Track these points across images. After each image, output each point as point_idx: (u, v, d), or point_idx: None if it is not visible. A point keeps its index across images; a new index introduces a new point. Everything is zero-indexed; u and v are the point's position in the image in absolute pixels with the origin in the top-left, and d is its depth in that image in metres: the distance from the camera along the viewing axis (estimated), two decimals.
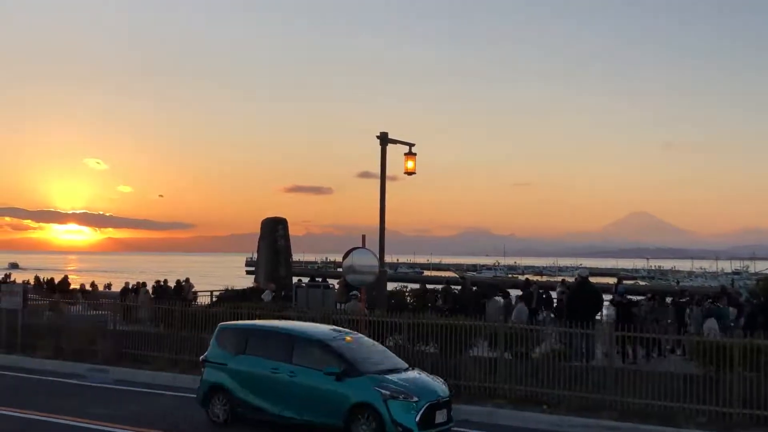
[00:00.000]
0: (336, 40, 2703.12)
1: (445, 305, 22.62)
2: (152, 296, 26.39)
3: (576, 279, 19.48)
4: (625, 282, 31.09)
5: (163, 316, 19.08)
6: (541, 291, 24.61)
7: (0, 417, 12.63)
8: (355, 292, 19.86)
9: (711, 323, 18.05)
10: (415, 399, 10.52)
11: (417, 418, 10.40)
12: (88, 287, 34.18)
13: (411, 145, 22.08)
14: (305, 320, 17.55)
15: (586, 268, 22.06)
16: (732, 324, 20.00)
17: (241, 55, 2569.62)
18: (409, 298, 24.34)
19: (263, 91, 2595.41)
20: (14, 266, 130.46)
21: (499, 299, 21.03)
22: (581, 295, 16.59)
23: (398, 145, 22.09)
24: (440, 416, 10.83)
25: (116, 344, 18.55)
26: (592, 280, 21.88)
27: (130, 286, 30.94)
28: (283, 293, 26.31)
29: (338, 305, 22.04)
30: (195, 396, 12.75)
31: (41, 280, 37.67)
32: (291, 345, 11.55)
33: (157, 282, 30.16)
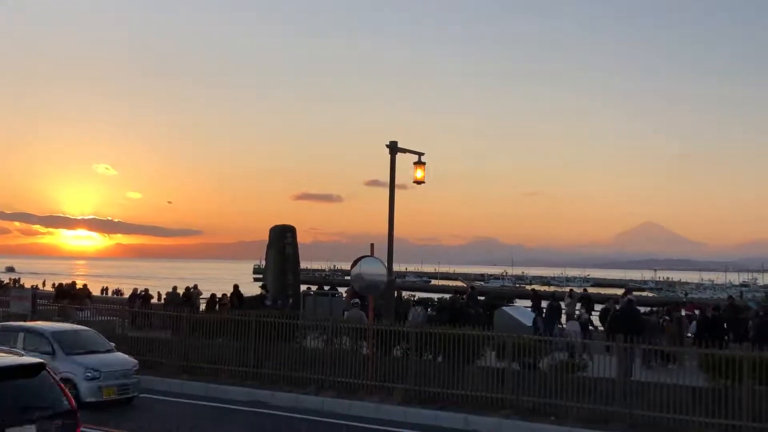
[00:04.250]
0: (346, 48, 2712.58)
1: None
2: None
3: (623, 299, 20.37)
4: (633, 293, 30.93)
5: (172, 323, 19.12)
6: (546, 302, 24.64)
7: None
8: (356, 300, 19.88)
9: (573, 326, 18.61)
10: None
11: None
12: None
13: (420, 154, 22.10)
14: (314, 328, 17.64)
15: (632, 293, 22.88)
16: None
17: (251, 61, 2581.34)
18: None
19: (272, 98, 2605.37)
20: (10, 269, 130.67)
21: (419, 308, 21.31)
22: (625, 315, 17.50)
23: (408, 153, 22.12)
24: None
25: (124, 350, 18.55)
26: (601, 291, 22.21)
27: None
28: (290, 301, 26.34)
29: (345, 313, 22.05)
30: (203, 403, 12.78)
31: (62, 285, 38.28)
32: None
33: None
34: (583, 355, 15.48)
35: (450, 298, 27.13)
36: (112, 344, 15.62)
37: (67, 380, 13.18)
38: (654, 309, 21.27)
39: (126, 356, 15.32)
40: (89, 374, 13.93)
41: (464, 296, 25.41)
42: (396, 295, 24.77)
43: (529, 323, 22.23)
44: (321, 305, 25.13)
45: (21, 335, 14.89)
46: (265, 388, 15.79)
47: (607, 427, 12.82)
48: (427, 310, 21.70)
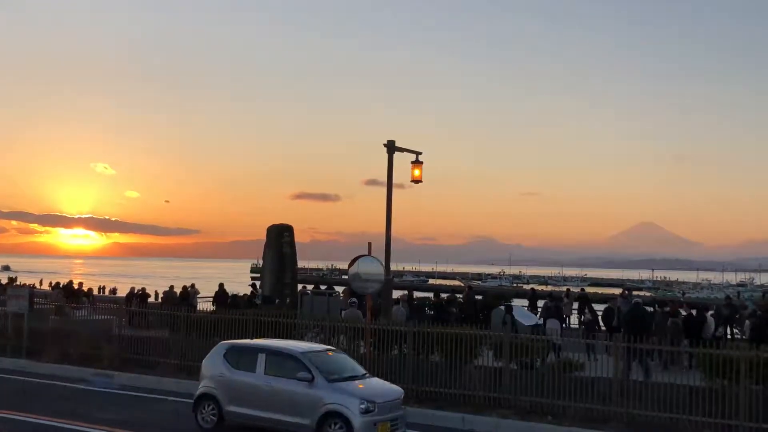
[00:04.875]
0: (344, 48, 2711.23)
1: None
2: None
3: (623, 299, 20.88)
4: (633, 293, 30.86)
5: (170, 322, 19.11)
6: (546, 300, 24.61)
7: (7, 421, 12.69)
8: (353, 299, 19.86)
9: (553, 323, 19.66)
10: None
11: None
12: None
13: (418, 153, 22.14)
14: (311, 327, 17.62)
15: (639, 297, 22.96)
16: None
17: (248, 61, 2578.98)
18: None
19: (271, 98, 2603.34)
20: (6, 268, 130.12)
21: (400, 307, 21.34)
22: (636, 316, 17.35)
23: (405, 153, 22.15)
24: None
25: (121, 349, 18.60)
26: (598, 290, 22.21)
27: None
28: (288, 300, 26.28)
29: (342, 312, 22.02)
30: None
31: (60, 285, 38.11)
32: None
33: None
34: (576, 355, 15.42)
35: (426, 298, 27.19)
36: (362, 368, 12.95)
37: (335, 414, 11.19)
38: (657, 308, 21.17)
39: (386, 382, 12.71)
40: (363, 406, 11.21)
41: (444, 297, 25.53)
42: (408, 293, 24.80)
43: (529, 322, 22.18)
44: (318, 305, 25.04)
45: (261, 357, 12.10)
46: None
47: (605, 426, 12.84)
48: (409, 309, 21.63)
